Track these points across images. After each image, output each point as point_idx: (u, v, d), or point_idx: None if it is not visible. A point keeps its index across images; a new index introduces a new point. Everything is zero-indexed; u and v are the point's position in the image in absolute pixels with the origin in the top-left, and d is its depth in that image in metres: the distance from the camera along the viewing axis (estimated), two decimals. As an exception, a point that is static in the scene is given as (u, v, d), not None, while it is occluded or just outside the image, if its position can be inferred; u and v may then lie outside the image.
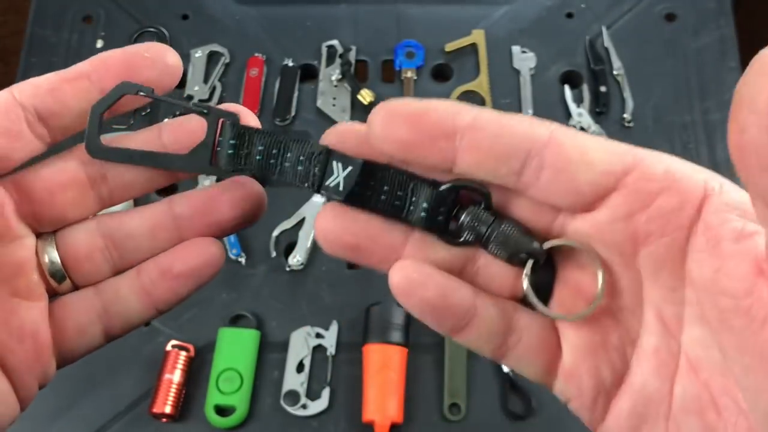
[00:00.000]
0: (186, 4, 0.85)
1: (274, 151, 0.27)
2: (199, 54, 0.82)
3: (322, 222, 0.26)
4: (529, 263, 0.26)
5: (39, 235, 0.28)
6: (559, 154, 0.24)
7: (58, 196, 0.28)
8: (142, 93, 0.27)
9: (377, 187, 0.26)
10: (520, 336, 0.26)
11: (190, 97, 0.80)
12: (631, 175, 0.24)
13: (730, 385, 0.23)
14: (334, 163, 0.26)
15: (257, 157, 0.27)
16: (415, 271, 0.25)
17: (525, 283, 0.26)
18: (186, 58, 0.81)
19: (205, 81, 0.80)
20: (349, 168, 0.26)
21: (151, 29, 0.83)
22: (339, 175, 0.26)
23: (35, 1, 0.85)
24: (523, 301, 0.26)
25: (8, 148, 0.26)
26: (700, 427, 0.24)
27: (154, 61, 0.28)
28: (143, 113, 0.78)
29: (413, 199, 0.26)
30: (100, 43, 0.83)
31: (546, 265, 0.26)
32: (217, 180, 0.30)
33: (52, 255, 0.28)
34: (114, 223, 0.29)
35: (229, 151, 0.27)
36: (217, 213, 0.29)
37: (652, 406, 0.25)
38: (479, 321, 0.25)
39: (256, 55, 0.81)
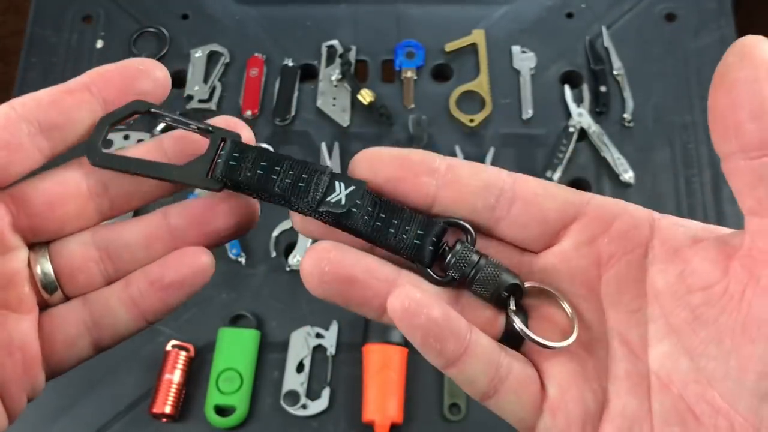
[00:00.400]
0: (186, 4, 0.85)
1: (277, 168, 0.27)
2: (199, 54, 0.82)
3: (313, 256, 0.26)
4: (512, 299, 0.27)
5: (32, 246, 0.28)
6: (527, 189, 0.27)
7: (57, 208, 0.28)
8: (153, 110, 0.28)
9: (375, 211, 0.27)
10: (509, 369, 0.26)
11: (189, 97, 0.79)
12: (588, 205, 0.27)
13: (703, 390, 0.24)
14: (337, 182, 0.27)
15: (258, 172, 0.27)
16: (419, 293, 0.25)
17: (513, 316, 0.27)
18: (186, 58, 0.81)
19: (205, 81, 0.80)
20: (352, 187, 0.27)
21: (151, 29, 0.83)
22: (341, 192, 0.27)
23: (35, 1, 0.85)
24: (501, 340, 0.27)
25: (7, 161, 0.26)
26: None
27: (149, 73, 0.28)
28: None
29: (407, 227, 0.27)
30: (100, 43, 0.83)
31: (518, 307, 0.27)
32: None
33: (45, 267, 0.28)
34: (109, 234, 0.29)
35: (231, 163, 0.27)
36: (213, 223, 0.29)
37: (635, 428, 0.26)
38: (476, 347, 0.25)
39: (256, 55, 0.81)
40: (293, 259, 0.72)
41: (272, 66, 0.81)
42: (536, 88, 0.80)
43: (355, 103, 0.79)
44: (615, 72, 0.80)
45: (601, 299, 0.27)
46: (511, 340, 0.27)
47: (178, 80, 0.81)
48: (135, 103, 0.28)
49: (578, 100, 0.79)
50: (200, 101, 0.79)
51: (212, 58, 0.82)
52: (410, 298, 0.24)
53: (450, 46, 0.81)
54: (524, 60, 0.81)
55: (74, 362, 0.29)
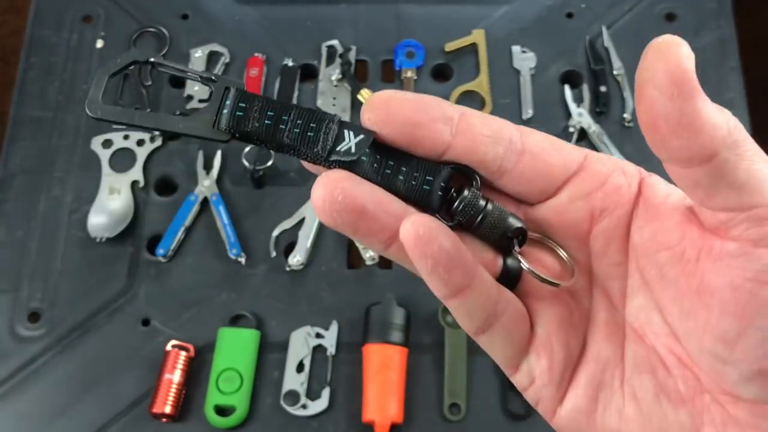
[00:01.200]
0: (186, 4, 0.85)
1: (284, 117, 0.27)
2: (199, 54, 0.82)
3: (327, 184, 0.25)
4: (516, 242, 0.27)
5: None
6: (534, 142, 0.27)
7: None
8: (151, 60, 0.28)
9: (383, 159, 0.27)
10: (505, 306, 0.27)
11: (190, 97, 0.79)
12: (587, 160, 0.27)
13: (673, 344, 0.26)
14: (345, 131, 0.27)
15: (266, 122, 0.27)
16: (433, 222, 0.25)
17: (519, 256, 0.27)
18: (186, 58, 0.81)
19: (205, 81, 0.80)
20: (361, 136, 0.27)
21: (151, 29, 0.83)
22: (351, 141, 0.27)
23: (35, 1, 0.85)
24: (497, 280, 0.28)
25: None
26: (653, 384, 0.26)
27: None
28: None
29: (415, 174, 0.27)
30: (100, 43, 0.83)
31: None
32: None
33: None
34: None
35: (238, 114, 0.27)
36: None
37: (607, 372, 0.27)
38: (480, 282, 0.26)
39: (256, 55, 0.81)
40: (293, 259, 0.71)
41: (272, 66, 0.81)
42: (536, 88, 0.80)
43: (355, 103, 0.79)
44: (615, 72, 0.80)
45: (590, 251, 0.28)
46: (507, 282, 0.28)
47: (178, 80, 0.81)
48: (133, 52, 0.28)
49: (578, 100, 0.79)
50: (200, 101, 0.79)
51: (212, 58, 0.82)
52: (424, 225, 0.24)
53: (450, 46, 0.81)
54: (524, 60, 0.81)
55: None
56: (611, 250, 0.27)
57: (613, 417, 0.27)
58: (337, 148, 0.26)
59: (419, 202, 0.27)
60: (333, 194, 0.25)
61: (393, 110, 0.26)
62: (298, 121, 0.27)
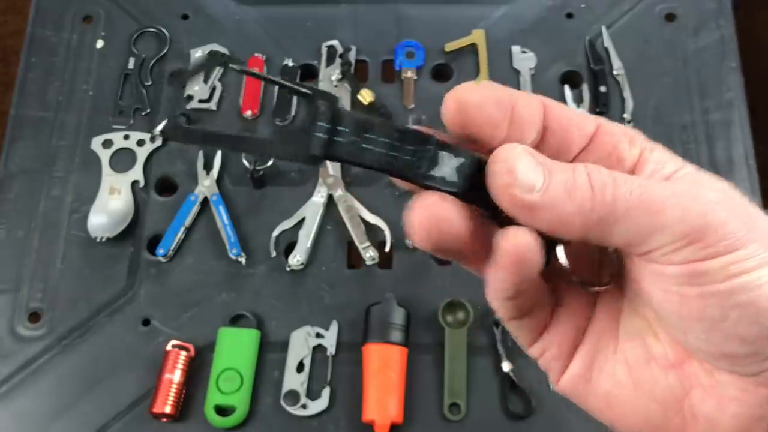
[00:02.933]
0: (186, 4, 0.85)
1: (380, 139, 0.26)
2: (199, 54, 0.81)
3: (423, 210, 0.25)
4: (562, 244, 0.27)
5: None
6: (555, 117, 0.27)
7: None
8: (233, 67, 0.27)
9: (478, 177, 0.25)
10: (541, 300, 0.28)
11: (190, 97, 0.79)
12: (597, 132, 0.28)
13: (658, 317, 0.27)
14: (442, 153, 0.26)
15: (363, 145, 0.26)
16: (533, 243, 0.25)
17: (567, 266, 0.27)
18: (186, 58, 0.81)
19: (206, 81, 0.80)
20: (462, 160, 0.26)
21: (151, 29, 0.83)
22: (449, 165, 0.26)
23: (35, 1, 0.85)
24: None
25: None
26: (644, 350, 0.27)
27: None
28: (143, 113, 0.78)
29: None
30: (100, 43, 0.83)
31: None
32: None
33: None
34: None
35: (334, 138, 0.26)
36: None
37: (602, 340, 0.28)
38: (537, 289, 0.28)
39: (256, 55, 0.81)
40: (293, 259, 0.71)
41: (272, 66, 0.81)
42: (536, 88, 0.80)
43: (355, 103, 0.79)
44: (615, 72, 0.80)
45: None
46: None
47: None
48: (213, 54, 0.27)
49: (578, 100, 0.79)
50: (200, 101, 0.79)
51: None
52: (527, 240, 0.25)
53: (450, 46, 0.81)
54: (524, 60, 0.81)
55: None
56: None
57: (607, 381, 0.28)
58: (434, 173, 0.25)
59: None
60: (431, 222, 0.25)
61: (489, 114, 0.26)
62: (395, 144, 0.26)
